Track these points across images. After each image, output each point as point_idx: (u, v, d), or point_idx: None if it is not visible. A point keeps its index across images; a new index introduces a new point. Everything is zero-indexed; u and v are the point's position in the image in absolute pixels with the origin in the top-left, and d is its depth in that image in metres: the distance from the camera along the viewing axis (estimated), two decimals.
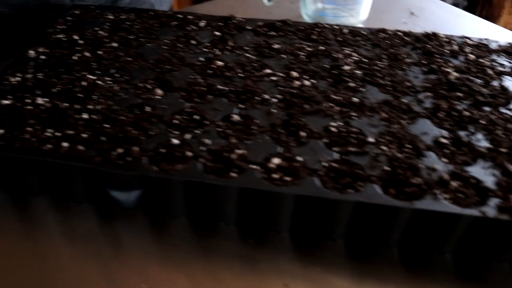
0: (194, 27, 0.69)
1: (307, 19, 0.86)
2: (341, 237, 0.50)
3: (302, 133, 0.52)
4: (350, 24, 0.82)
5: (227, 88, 0.58)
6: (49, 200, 0.55)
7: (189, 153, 0.49)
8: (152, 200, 0.52)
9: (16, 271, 0.49)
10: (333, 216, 0.48)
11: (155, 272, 0.48)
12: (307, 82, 0.59)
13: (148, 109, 0.55)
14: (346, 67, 0.61)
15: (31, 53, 0.64)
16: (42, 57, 0.63)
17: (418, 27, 0.86)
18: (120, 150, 0.50)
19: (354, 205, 0.46)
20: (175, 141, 0.50)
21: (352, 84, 0.59)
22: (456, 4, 0.98)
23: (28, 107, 0.55)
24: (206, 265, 0.49)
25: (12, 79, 0.60)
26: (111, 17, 0.72)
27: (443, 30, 0.73)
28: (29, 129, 0.52)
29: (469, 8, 1.14)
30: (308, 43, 0.67)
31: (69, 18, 0.72)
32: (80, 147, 0.50)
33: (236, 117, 0.54)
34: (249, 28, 0.70)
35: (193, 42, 0.66)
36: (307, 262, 0.49)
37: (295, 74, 0.60)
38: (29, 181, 0.54)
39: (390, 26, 0.75)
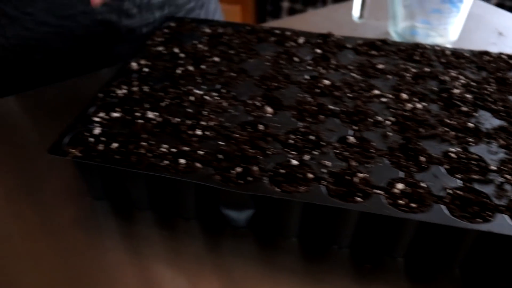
0: (293, 44, 0.69)
1: (395, 36, 0.84)
2: (459, 267, 0.49)
3: (422, 158, 0.51)
4: (439, 43, 0.81)
5: (338, 108, 0.57)
6: (155, 215, 0.55)
7: (310, 175, 0.48)
8: (265, 220, 0.51)
9: (118, 284, 0.49)
10: (455, 245, 0.47)
11: None
12: (418, 105, 0.57)
13: (261, 127, 0.54)
14: (456, 91, 0.60)
15: (134, 65, 0.64)
16: (145, 69, 0.63)
17: (508, 48, 0.84)
18: (238, 169, 0.49)
19: (480, 235, 0.45)
20: (294, 162, 0.50)
21: (464, 109, 0.57)
22: None
23: (139, 120, 0.55)
24: None
25: (119, 91, 0.60)
26: (208, 30, 0.72)
27: None
28: (143, 143, 0.52)
29: None
30: (411, 64, 0.65)
31: (166, 30, 0.72)
32: (198, 165, 0.49)
33: (352, 139, 0.53)
34: (349, 46, 0.68)
35: (296, 59, 0.65)
36: None
37: (405, 96, 0.59)
38: (139, 195, 0.54)
39: (480, 46, 0.73)
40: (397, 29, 0.84)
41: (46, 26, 0.78)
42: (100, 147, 0.52)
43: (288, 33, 0.71)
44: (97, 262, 0.51)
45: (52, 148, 0.52)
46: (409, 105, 0.57)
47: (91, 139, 0.53)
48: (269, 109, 0.57)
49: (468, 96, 0.59)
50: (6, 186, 0.59)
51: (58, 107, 0.71)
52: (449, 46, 0.82)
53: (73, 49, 0.82)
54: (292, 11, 1.60)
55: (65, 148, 0.52)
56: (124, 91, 0.60)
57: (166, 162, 0.50)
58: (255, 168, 0.49)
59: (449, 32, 0.82)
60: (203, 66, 0.64)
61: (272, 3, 1.63)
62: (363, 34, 0.84)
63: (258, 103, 0.58)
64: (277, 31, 0.71)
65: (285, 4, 1.60)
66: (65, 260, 0.51)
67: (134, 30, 0.83)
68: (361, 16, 0.82)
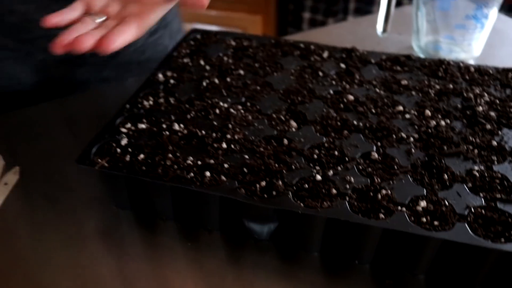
0: (317, 58, 0.69)
1: (418, 51, 0.85)
2: (480, 286, 0.49)
3: (445, 176, 0.51)
4: (462, 59, 0.81)
5: (361, 124, 0.57)
6: (178, 226, 0.56)
7: (333, 191, 0.49)
8: (288, 234, 0.52)
9: None
10: (477, 264, 0.47)
11: None
12: (442, 122, 0.58)
13: (285, 141, 0.55)
14: (480, 108, 0.60)
15: (160, 76, 0.65)
16: (171, 81, 0.64)
17: None
18: (263, 183, 0.49)
19: (503, 255, 0.45)
20: (318, 177, 0.50)
21: (488, 127, 0.57)
22: None
23: (166, 132, 0.56)
24: None
25: (146, 103, 0.61)
26: (233, 43, 0.73)
27: None
28: (170, 155, 0.52)
29: None
30: (435, 80, 0.65)
31: (192, 42, 0.73)
32: (223, 178, 0.50)
33: (375, 155, 0.53)
34: (373, 61, 0.69)
35: (320, 73, 0.66)
36: None
37: (428, 113, 0.59)
38: (163, 206, 0.54)
39: (503, 62, 0.73)
40: (420, 43, 0.84)
41: (4, 49, 0.76)
42: (127, 158, 0.53)
43: (312, 47, 0.72)
44: (120, 270, 0.52)
45: (80, 158, 0.53)
46: (433, 122, 0.58)
47: (118, 150, 0.54)
48: (293, 124, 0.57)
49: (492, 114, 0.60)
50: (33, 193, 0.60)
51: (84, 117, 0.72)
52: (472, 61, 0.82)
53: (32, 74, 0.79)
54: (313, 22, 1.61)
55: (92, 158, 0.53)
56: (151, 102, 0.61)
57: (191, 174, 0.50)
58: (279, 182, 0.49)
59: (473, 48, 0.82)
60: (228, 79, 0.65)
61: (293, 14, 1.64)
62: (386, 48, 0.85)
63: (282, 117, 0.58)
64: (301, 45, 0.72)
65: (306, 15, 1.61)
66: (89, 267, 0.52)
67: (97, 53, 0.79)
68: (384, 30, 0.82)
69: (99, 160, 0.52)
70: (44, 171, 0.63)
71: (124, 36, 0.53)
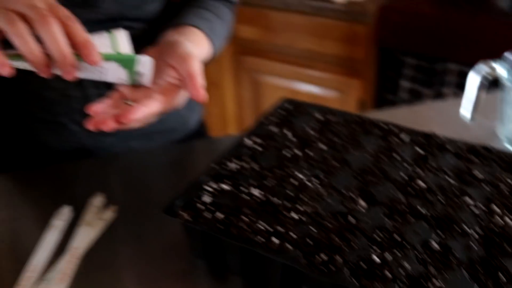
0: (396, 139, 0.73)
1: (503, 139, 0.86)
2: None
3: (501, 276, 0.53)
4: None
5: (428, 213, 0.60)
6: (245, 282, 0.61)
7: (388, 274, 0.52)
8: None
9: None
10: None
11: None
12: (509, 221, 0.59)
13: (351, 219, 0.59)
14: None
15: (248, 142, 0.72)
16: (257, 147, 0.71)
17: None
18: (324, 257, 0.54)
19: None
20: (376, 259, 0.54)
21: None
22: None
23: (244, 196, 0.62)
24: None
25: (230, 165, 0.67)
26: (319, 117, 0.78)
27: None
28: (244, 218, 0.58)
29: None
30: (510, 175, 0.67)
31: (281, 112, 0.79)
32: (288, 246, 0.55)
33: (435, 245, 0.56)
34: (450, 149, 0.71)
35: (396, 156, 0.69)
36: None
37: (497, 209, 0.61)
38: (233, 262, 0.60)
39: None
40: (505, 132, 0.85)
41: (41, 122, 0.84)
42: (207, 214, 0.59)
43: (393, 128, 0.75)
44: None
45: (167, 209, 0.60)
46: (499, 219, 0.59)
47: (201, 206, 0.60)
48: (362, 203, 0.61)
49: None
50: (124, 232, 0.68)
51: (177, 168, 0.81)
52: None
53: (63, 143, 0.87)
54: (410, 91, 1.64)
55: (177, 210, 0.60)
56: (236, 165, 0.67)
57: (261, 238, 0.56)
58: (339, 258, 0.53)
59: None
60: (308, 151, 0.70)
61: (391, 81, 1.68)
62: (470, 132, 0.86)
63: (353, 195, 0.62)
64: (383, 125, 0.76)
65: (404, 84, 1.64)
66: None
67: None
68: (472, 118, 0.84)
69: (183, 213, 0.59)
70: (137, 213, 0.71)
71: (144, 108, 0.62)
